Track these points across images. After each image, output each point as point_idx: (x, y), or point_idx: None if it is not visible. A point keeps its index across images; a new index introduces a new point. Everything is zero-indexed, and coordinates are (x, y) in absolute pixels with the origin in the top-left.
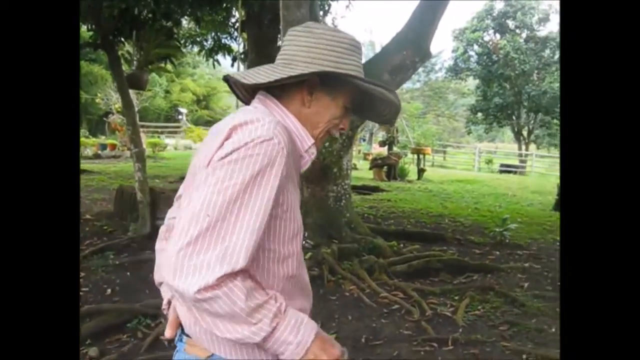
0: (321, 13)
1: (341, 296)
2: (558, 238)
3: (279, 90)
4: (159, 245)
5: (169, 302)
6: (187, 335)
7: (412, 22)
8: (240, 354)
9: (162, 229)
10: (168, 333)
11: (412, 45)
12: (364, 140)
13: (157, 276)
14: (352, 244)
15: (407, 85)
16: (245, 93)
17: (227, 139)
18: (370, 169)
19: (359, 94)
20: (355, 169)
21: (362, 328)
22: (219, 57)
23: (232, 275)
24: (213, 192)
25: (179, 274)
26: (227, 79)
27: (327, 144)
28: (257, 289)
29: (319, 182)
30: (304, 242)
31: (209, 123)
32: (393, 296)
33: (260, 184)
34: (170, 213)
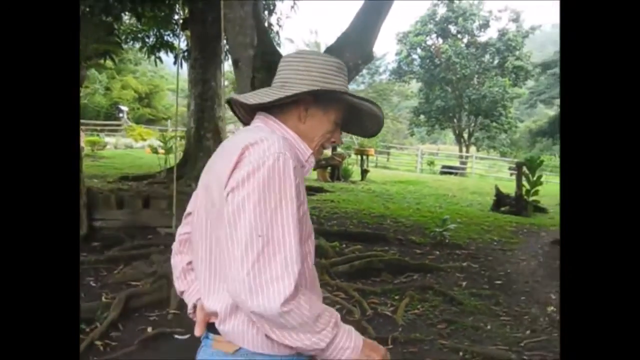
0: (266, 13)
1: None
2: (495, 238)
3: (277, 109)
4: (174, 260)
5: (195, 306)
6: (215, 333)
7: (355, 23)
8: (267, 348)
9: (175, 245)
10: (198, 331)
11: (355, 47)
12: None
13: (179, 285)
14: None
15: (351, 86)
16: (244, 113)
17: (240, 157)
18: (314, 169)
19: (347, 110)
20: None
21: None
22: (162, 54)
23: (296, 290)
24: (256, 215)
25: (255, 294)
26: (229, 101)
27: None
28: (312, 298)
29: None
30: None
31: (150, 121)
32: (334, 296)
33: (287, 196)
34: (181, 229)
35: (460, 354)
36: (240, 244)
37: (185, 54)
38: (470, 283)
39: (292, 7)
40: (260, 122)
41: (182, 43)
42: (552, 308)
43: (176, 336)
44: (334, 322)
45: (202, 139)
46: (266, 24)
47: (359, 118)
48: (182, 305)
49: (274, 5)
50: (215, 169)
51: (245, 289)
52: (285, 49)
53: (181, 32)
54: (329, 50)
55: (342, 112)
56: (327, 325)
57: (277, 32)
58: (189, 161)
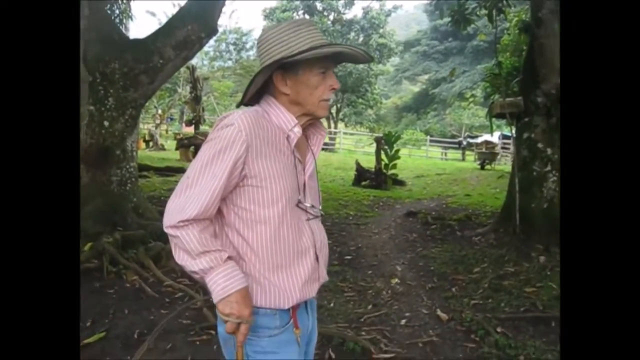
0: None
1: (121, 288)
2: (352, 212)
3: (269, 91)
4: None
5: None
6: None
7: None
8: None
9: None
10: None
11: (197, 20)
12: (172, 119)
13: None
14: (138, 231)
15: (218, 63)
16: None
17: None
18: (177, 149)
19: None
20: (163, 149)
21: (138, 322)
22: None
23: (188, 222)
24: (193, 165)
25: (165, 214)
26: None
27: (107, 124)
28: (214, 241)
29: (99, 165)
30: (309, 209)
31: None
32: (178, 284)
33: (218, 158)
34: None
35: None
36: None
37: None
38: None
39: None
40: (258, 105)
41: None
42: (396, 280)
43: None
44: (214, 259)
45: None
46: None
47: (342, 52)
48: None
49: None
50: None
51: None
52: (145, 22)
53: None
54: (169, 24)
55: (320, 60)
56: (207, 258)
57: (128, 3)
58: None
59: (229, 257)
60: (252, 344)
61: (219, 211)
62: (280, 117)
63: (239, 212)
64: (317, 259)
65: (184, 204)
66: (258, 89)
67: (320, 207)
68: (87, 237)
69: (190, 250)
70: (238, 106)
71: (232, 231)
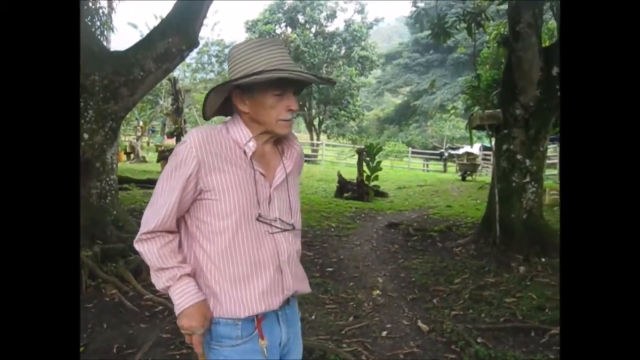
0: None
1: (100, 302)
2: (334, 224)
3: (234, 107)
4: None
5: None
6: None
7: (177, 8)
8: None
9: None
10: None
11: (178, 32)
12: (153, 131)
13: None
14: (118, 244)
15: (200, 75)
16: None
17: None
18: (158, 161)
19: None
20: (145, 161)
21: (117, 336)
22: None
23: (151, 235)
24: (157, 181)
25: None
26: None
27: (86, 136)
28: (172, 257)
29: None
30: (274, 223)
31: None
32: (158, 297)
33: (173, 175)
34: None
35: None
36: None
37: None
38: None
39: None
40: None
41: None
42: (377, 292)
43: None
44: (174, 277)
45: None
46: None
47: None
48: None
49: None
50: None
51: None
52: (126, 34)
53: None
54: (150, 36)
55: (275, 83)
56: (164, 277)
57: (109, 15)
58: None
59: (187, 274)
60: (216, 353)
61: (185, 224)
62: (237, 132)
63: (199, 224)
64: (280, 271)
65: (148, 217)
66: (224, 104)
67: (296, 220)
68: None
69: (151, 265)
70: (207, 119)
71: (195, 243)
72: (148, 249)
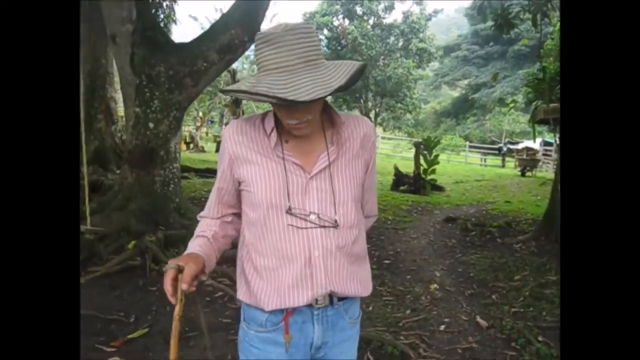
0: None
1: (163, 286)
2: (390, 217)
3: None
4: None
5: None
6: None
7: (239, 1)
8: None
9: None
10: None
11: (241, 24)
12: (212, 121)
13: None
14: (180, 230)
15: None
16: None
17: None
18: (217, 151)
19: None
20: (203, 151)
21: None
22: None
23: (200, 218)
24: None
25: None
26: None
27: (152, 125)
28: (204, 228)
29: (144, 166)
30: (307, 218)
31: None
32: (218, 283)
33: (219, 165)
34: None
35: None
36: None
37: None
38: None
39: None
40: None
41: None
42: (435, 286)
43: None
44: (192, 239)
45: (93, 121)
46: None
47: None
48: None
49: None
50: None
51: None
52: (188, 27)
53: None
54: (214, 28)
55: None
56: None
57: (172, 8)
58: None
59: (203, 236)
60: (243, 331)
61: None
62: (267, 123)
63: (243, 213)
64: (310, 266)
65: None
66: None
67: (344, 213)
68: (131, 235)
69: None
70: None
71: (243, 230)
72: (196, 228)
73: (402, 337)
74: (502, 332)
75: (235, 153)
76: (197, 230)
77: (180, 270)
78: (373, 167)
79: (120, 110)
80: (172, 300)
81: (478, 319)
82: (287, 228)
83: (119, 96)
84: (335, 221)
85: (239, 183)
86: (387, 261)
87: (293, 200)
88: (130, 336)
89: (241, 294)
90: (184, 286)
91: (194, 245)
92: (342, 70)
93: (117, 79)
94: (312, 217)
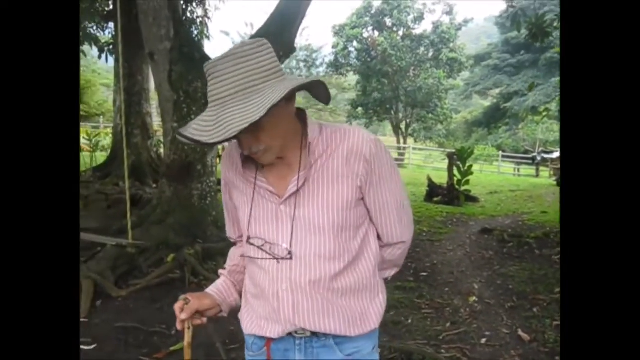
0: (193, 4)
1: None
2: (425, 229)
3: None
4: None
5: None
6: None
7: (275, 15)
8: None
9: None
10: None
11: (276, 39)
12: None
13: None
14: (218, 243)
15: None
16: None
17: None
18: None
19: None
20: None
21: (220, 332)
22: (86, 47)
23: (230, 237)
24: None
25: None
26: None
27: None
28: (231, 259)
29: (182, 180)
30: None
31: (83, 118)
32: None
33: None
34: None
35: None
36: None
37: (111, 47)
38: (396, 276)
39: None
40: None
41: (107, 36)
42: (474, 298)
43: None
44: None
45: (130, 136)
46: (190, 16)
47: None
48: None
49: None
50: None
51: None
52: (220, 42)
53: (106, 25)
54: None
55: None
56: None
57: (205, 24)
58: (116, 159)
59: (222, 275)
60: (246, 354)
61: None
62: None
63: None
64: (276, 301)
65: None
66: None
67: (308, 245)
68: (170, 249)
69: None
70: None
71: None
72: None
73: (443, 351)
74: (545, 346)
75: (227, 178)
76: (228, 261)
77: (186, 302)
78: (384, 184)
79: (156, 125)
80: (178, 326)
81: (520, 332)
82: (257, 259)
83: (154, 111)
84: (290, 253)
85: (235, 207)
86: (424, 273)
87: (257, 229)
88: (172, 348)
89: (239, 315)
90: (183, 315)
91: (214, 284)
92: (269, 96)
93: (152, 94)
94: (267, 247)
